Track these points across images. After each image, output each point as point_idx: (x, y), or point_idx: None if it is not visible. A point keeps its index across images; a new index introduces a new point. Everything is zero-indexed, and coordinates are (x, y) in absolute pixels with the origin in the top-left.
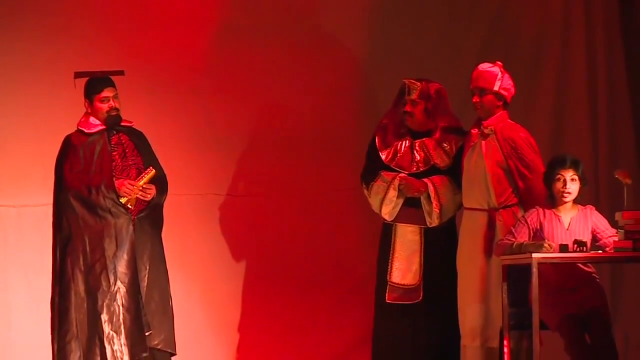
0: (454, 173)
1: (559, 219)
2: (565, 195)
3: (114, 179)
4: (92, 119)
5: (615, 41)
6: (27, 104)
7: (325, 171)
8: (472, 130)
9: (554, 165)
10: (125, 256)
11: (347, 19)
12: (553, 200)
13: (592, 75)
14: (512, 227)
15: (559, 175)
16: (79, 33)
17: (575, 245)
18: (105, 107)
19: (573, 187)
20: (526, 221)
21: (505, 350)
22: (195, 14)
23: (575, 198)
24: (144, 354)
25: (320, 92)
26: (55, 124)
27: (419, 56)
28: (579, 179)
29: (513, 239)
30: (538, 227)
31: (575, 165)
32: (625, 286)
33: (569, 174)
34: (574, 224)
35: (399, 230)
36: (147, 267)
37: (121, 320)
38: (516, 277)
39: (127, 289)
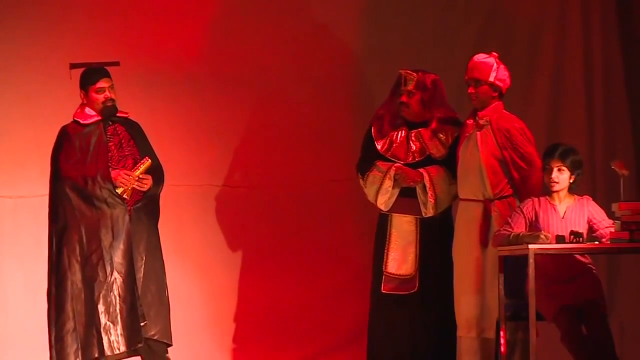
0: (449, 164)
1: (554, 208)
2: (552, 185)
3: (110, 169)
4: (87, 110)
5: (612, 32)
6: (23, 95)
7: (321, 162)
8: (467, 121)
9: (545, 156)
10: (121, 247)
11: (342, 10)
12: (548, 190)
13: (588, 67)
14: (508, 218)
15: (547, 166)
16: (75, 24)
17: (572, 236)
18: (101, 97)
19: (561, 177)
20: (522, 211)
21: (502, 341)
22: (191, 5)
23: (571, 187)
24: (140, 345)
25: (316, 83)
26: (51, 115)
27: (415, 47)
28: (568, 169)
29: (510, 230)
30: (534, 217)
31: (562, 156)
32: (621, 277)
33: (555, 165)
34: (569, 213)
35: (395, 220)
36: (144, 258)
37: (118, 311)
38: (512, 268)
39: (123, 280)
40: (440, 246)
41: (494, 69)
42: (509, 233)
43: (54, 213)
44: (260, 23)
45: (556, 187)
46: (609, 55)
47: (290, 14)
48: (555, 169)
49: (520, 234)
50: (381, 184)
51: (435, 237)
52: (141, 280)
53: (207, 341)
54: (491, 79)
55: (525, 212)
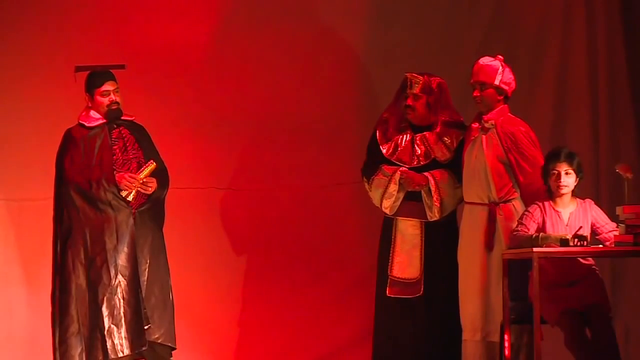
0: (454, 167)
1: (559, 215)
2: (561, 188)
3: (115, 172)
4: (92, 113)
5: (616, 34)
6: (28, 99)
7: (326, 165)
8: (472, 125)
9: (549, 160)
10: (125, 249)
11: (348, 14)
12: (551, 194)
13: (593, 69)
14: (519, 220)
15: (553, 170)
16: (79, 27)
17: (576, 240)
18: (106, 100)
19: (568, 180)
20: (532, 215)
21: (506, 344)
22: (196, 6)
23: (573, 191)
24: (143, 348)
25: (320, 86)
26: (56, 118)
27: (420, 50)
28: (574, 172)
29: (526, 230)
30: (541, 223)
31: (569, 159)
32: (626, 280)
33: (563, 168)
34: (573, 218)
35: (400, 224)
36: (148, 261)
37: (122, 314)
38: (516, 272)
39: (127, 283)
40: (446, 249)
41: (499, 72)
42: (529, 234)
43: (59, 216)
44: (266, 26)
45: (565, 190)
46: (614, 58)
47: (296, 16)
48: (563, 173)
49: (551, 236)
50: (386, 188)
51: (441, 241)
52: (145, 283)
53: (211, 344)
54: (496, 82)
55: (535, 216)
